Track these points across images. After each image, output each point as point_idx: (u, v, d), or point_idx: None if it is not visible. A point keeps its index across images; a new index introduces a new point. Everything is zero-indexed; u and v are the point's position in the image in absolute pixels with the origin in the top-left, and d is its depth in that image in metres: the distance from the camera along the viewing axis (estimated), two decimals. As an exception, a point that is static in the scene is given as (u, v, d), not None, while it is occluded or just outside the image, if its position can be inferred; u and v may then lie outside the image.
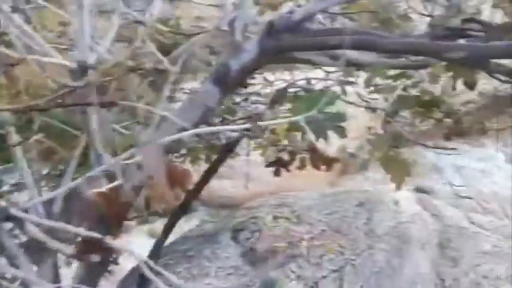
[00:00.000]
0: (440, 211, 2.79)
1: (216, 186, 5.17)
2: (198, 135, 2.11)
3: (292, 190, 3.13)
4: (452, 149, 2.19)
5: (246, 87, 2.22)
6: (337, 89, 2.36)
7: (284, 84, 2.57)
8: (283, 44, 1.41)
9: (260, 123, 1.44)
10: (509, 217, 2.95)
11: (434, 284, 2.53)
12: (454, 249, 2.64)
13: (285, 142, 1.95)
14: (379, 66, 1.55)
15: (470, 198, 2.83)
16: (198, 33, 1.68)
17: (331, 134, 1.53)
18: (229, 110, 3.01)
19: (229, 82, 1.49)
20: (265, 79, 3.35)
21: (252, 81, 3.36)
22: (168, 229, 2.40)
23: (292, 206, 2.80)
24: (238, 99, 3.23)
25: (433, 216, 2.75)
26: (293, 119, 1.25)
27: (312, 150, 1.51)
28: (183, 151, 3.03)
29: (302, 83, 2.76)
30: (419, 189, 2.97)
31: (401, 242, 2.61)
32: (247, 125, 1.55)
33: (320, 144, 2.04)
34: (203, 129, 1.46)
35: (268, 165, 1.99)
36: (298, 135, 1.65)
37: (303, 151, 1.75)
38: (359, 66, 1.69)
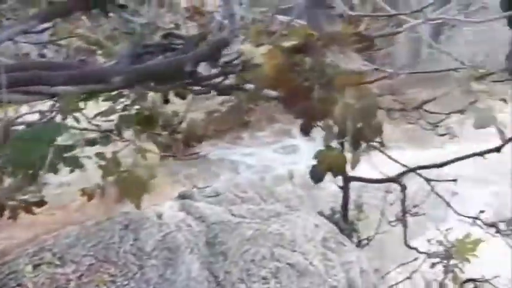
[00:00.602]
0: (203, 212, 2.92)
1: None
2: None
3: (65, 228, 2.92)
4: (195, 153, 2.33)
5: None
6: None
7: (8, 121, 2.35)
8: None
9: None
10: (266, 201, 3.26)
11: (208, 282, 2.64)
12: (221, 244, 2.80)
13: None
14: (73, 93, 1.52)
15: (219, 195, 3.03)
16: None
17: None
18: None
19: None
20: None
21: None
22: None
23: (53, 248, 2.61)
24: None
25: (197, 219, 2.87)
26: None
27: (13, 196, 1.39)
28: None
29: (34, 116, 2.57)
30: (181, 196, 3.07)
31: (171, 253, 2.65)
32: None
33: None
34: None
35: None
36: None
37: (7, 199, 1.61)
38: (56, 96, 1.64)
